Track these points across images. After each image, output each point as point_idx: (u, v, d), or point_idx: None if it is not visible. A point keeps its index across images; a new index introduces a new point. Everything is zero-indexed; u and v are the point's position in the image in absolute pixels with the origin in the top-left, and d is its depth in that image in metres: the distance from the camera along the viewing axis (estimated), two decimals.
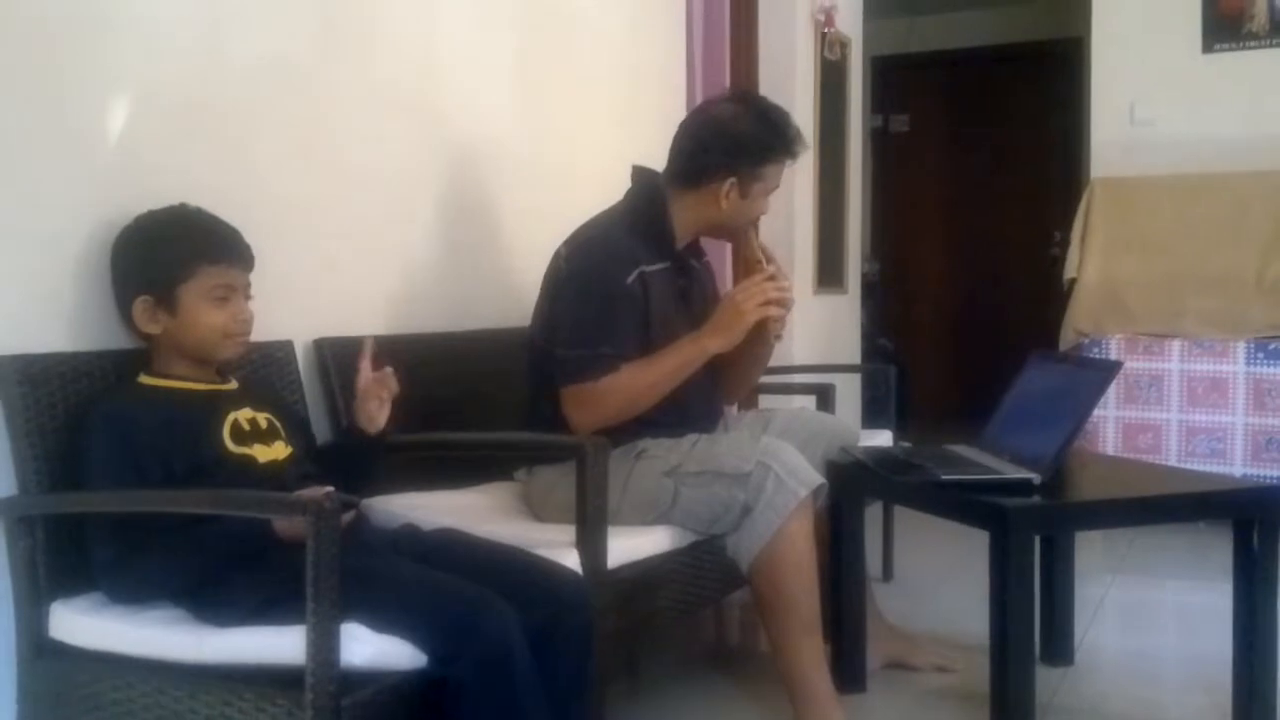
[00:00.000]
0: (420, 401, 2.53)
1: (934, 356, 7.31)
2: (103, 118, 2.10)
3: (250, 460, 1.94)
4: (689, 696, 2.74)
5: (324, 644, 1.54)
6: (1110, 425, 4.61)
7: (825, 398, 3.33)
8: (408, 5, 2.86)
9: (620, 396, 2.38)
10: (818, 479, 2.36)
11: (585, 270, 2.45)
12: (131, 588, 1.81)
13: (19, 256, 1.94)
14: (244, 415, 1.98)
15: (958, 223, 7.41)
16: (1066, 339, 4.88)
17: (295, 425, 2.13)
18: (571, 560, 2.07)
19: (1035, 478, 2.30)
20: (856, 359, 5.82)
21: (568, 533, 2.16)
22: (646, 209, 2.55)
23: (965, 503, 2.33)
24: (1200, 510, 2.78)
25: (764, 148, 2.52)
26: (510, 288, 2.80)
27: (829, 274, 5.35)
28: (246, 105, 2.39)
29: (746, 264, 2.56)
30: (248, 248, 2.02)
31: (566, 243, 2.54)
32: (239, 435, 1.95)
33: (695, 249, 2.71)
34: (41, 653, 1.85)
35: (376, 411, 2.08)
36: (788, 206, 4.95)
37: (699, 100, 3.97)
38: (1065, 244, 5.21)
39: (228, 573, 1.76)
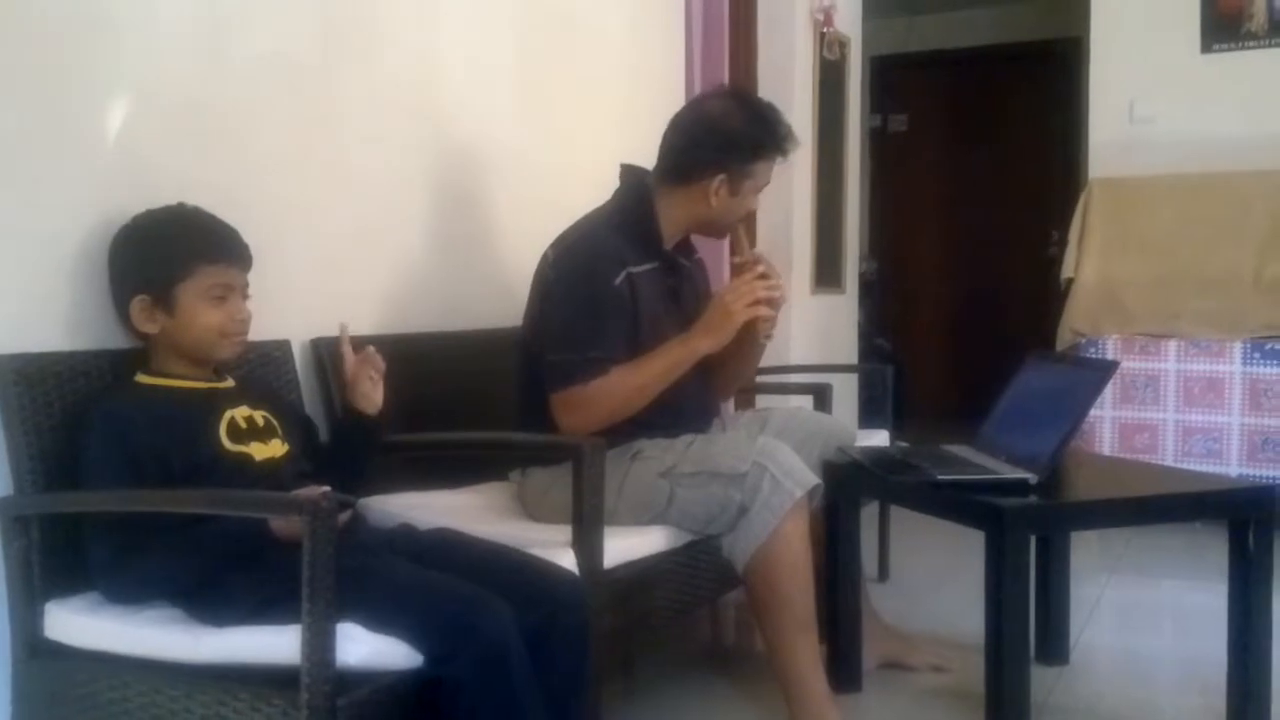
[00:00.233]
0: (417, 401, 2.53)
1: (931, 356, 7.32)
2: (102, 117, 2.10)
3: (247, 458, 1.94)
4: (685, 696, 2.74)
5: (319, 644, 1.54)
6: (1107, 425, 4.61)
7: (822, 398, 3.33)
8: (407, 6, 2.86)
9: (610, 400, 2.37)
10: (813, 479, 2.36)
11: (572, 273, 2.43)
12: (128, 587, 1.81)
13: (17, 255, 1.94)
14: (241, 413, 1.99)
15: (956, 222, 7.41)
16: (1063, 339, 4.88)
17: (293, 422, 2.13)
18: (567, 560, 2.07)
19: (1031, 478, 2.30)
20: (854, 359, 5.82)
21: (563, 533, 2.16)
22: (634, 208, 2.54)
23: (961, 503, 2.33)
24: (1196, 510, 2.78)
25: (755, 145, 2.51)
26: (508, 288, 2.80)
27: (827, 273, 5.35)
28: (246, 105, 2.39)
29: (736, 264, 2.55)
30: (246, 247, 2.02)
31: (554, 245, 2.52)
32: (236, 433, 1.95)
33: (685, 247, 2.70)
34: (37, 653, 1.85)
35: (370, 389, 2.10)
36: (786, 206, 4.96)
37: None
38: (1063, 244, 5.21)
39: (224, 572, 1.76)
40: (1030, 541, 2.26)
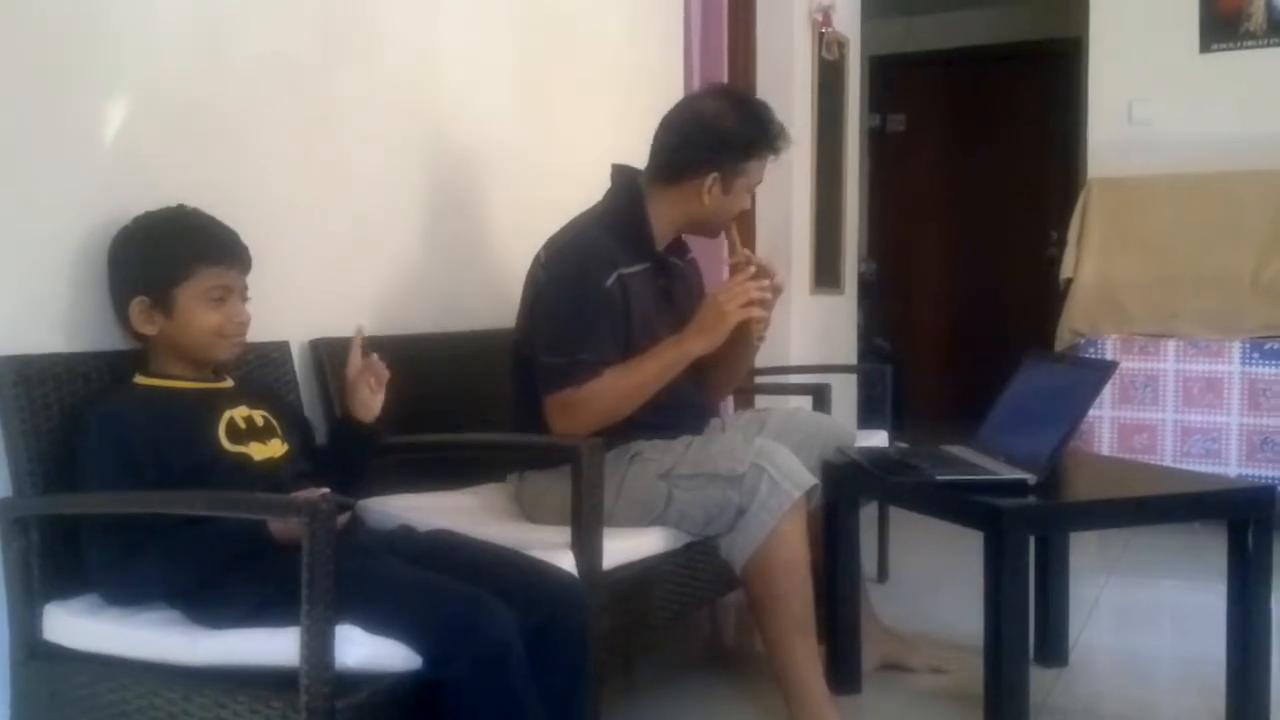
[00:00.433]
0: (415, 402, 2.53)
1: (930, 357, 7.32)
2: (100, 118, 2.10)
3: (246, 459, 1.94)
4: (684, 697, 2.74)
5: (319, 646, 1.54)
6: (1105, 425, 4.61)
7: (821, 398, 3.33)
8: (407, 7, 2.86)
9: (603, 402, 2.36)
10: (811, 480, 2.36)
11: (563, 275, 2.43)
12: (127, 589, 1.81)
13: (16, 257, 1.94)
14: (240, 413, 1.98)
15: (955, 223, 7.41)
16: (1062, 339, 4.88)
17: (292, 422, 2.13)
18: (567, 562, 2.07)
19: (1030, 478, 2.30)
20: (853, 359, 5.82)
21: (562, 534, 2.16)
22: (626, 209, 2.53)
23: (960, 503, 2.33)
24: (1195, 510, 2.78)
25: (748, 143, 2.51)
26: (507, 288, 2.79)
27: (826, 274, 5.35)
28: (245, 106, 2.39)
29: (731, 264, 2.54)
30: (245, 249, 2.02)
31: (545, 246, 2.52)
32: (234, 433, 1.95)
33: (679, 247, 2.69)
34: (35, 654, 1.84)
35: (369, 398, 2.09)
36: (785, 206, 4.96)
37: None
38: (1062, 244, 5.22)
39: (223, 574, 1.76)
40: (1029, 542, 2.26)
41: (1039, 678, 2.60)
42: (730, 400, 3.74)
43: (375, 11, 2.76)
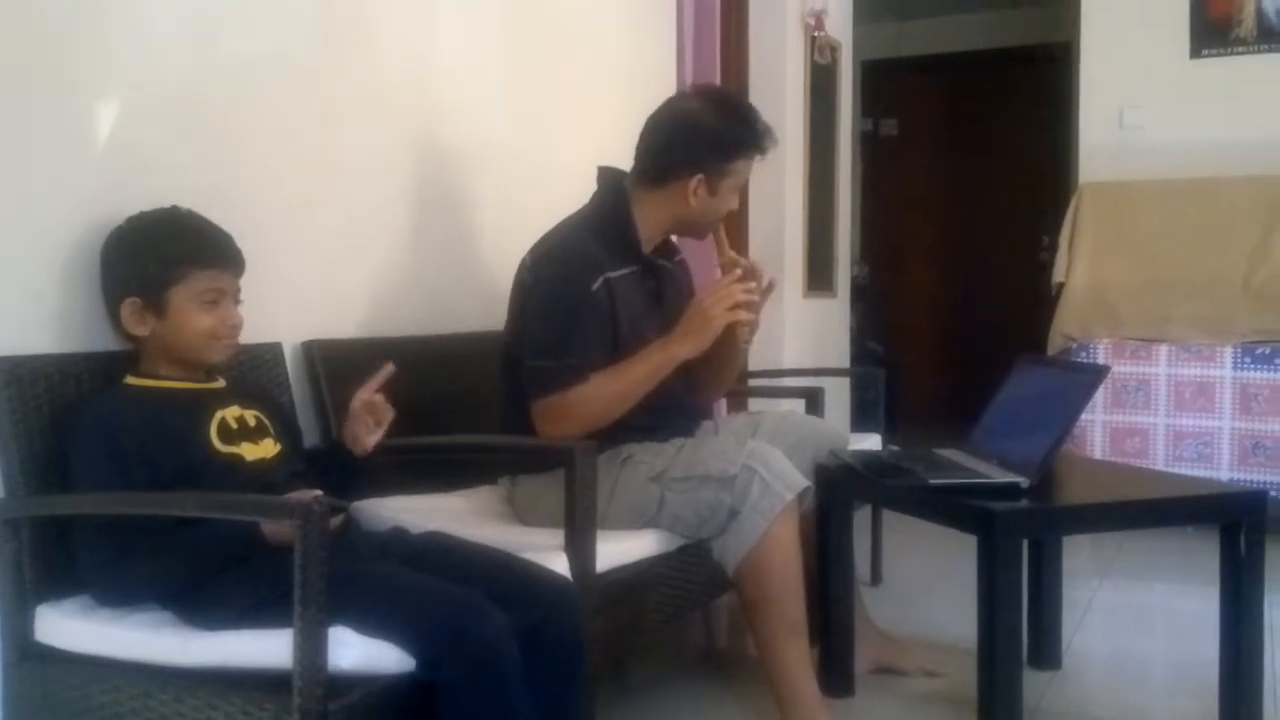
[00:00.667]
0: (406, 404, 2.52)
1: (923, 360, 7.33)
2: (93, 117, 2.09)
3: (238, 459, 1.93)
4: (677, 700, 2.74)
5: (311, 648, 1.53)
6: (1098, 429, 4.62)
7: (814, 401, 3.33)
8: (402, 7, 2.86)
9: (589, 407, 2.35)
10: (803, 482, 2.36)
11: (549, 280, 2.42)
12: (119, 590, 1.81)
13: (8, 257, 1.93)
14: (231, 413, 1.98)
15: (947, 227, 7.43)
16: (1054, 343, 4.89)
17: (284, 422, 2.12)
18: (560, 564, 2.07)
19: (1023, 482, 2.31)
20: (846, 362, 5.83)
21: (555, 537, 2.16)
22: (612, 211, 2.52)
23: (954, 506, 2.33)
24: (1187, 514, 2.79)
25: (733, 143, 2.49)
26: (500, 291, 2.78)
27: (818, 277, 5.35)
28: (239, 106, 2.39)
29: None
30: (238, 252, 2.01)
31: (532, 251, 2.51)
32: (226, 434, 1.95)
33: (667, 248, 2.68)
34: (27, 656, 1.84)
35: (364, 435, 2.05)
36: (777, 210, 4.97)
37: None
38: (1054, 248, 5.23)
39: (215, 576, 1.75)
40: (1022, 545, 2.26)
41: (1032, 681, 2.60)
42: (723, 403, 3.74)
43: (370, 14, 2.76)
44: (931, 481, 2.39)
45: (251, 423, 2.00)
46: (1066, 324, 4.88)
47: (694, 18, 4.34)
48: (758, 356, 4.47)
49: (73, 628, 1.81)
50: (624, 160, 2.60)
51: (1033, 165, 6.95)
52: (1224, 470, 4.42)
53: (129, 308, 1.92)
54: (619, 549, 2.27)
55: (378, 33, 2.79)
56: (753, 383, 3.95)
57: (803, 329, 5.16)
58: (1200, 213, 4.90)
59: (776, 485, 2.30)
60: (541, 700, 1.76)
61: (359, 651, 1.62)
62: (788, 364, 4.82)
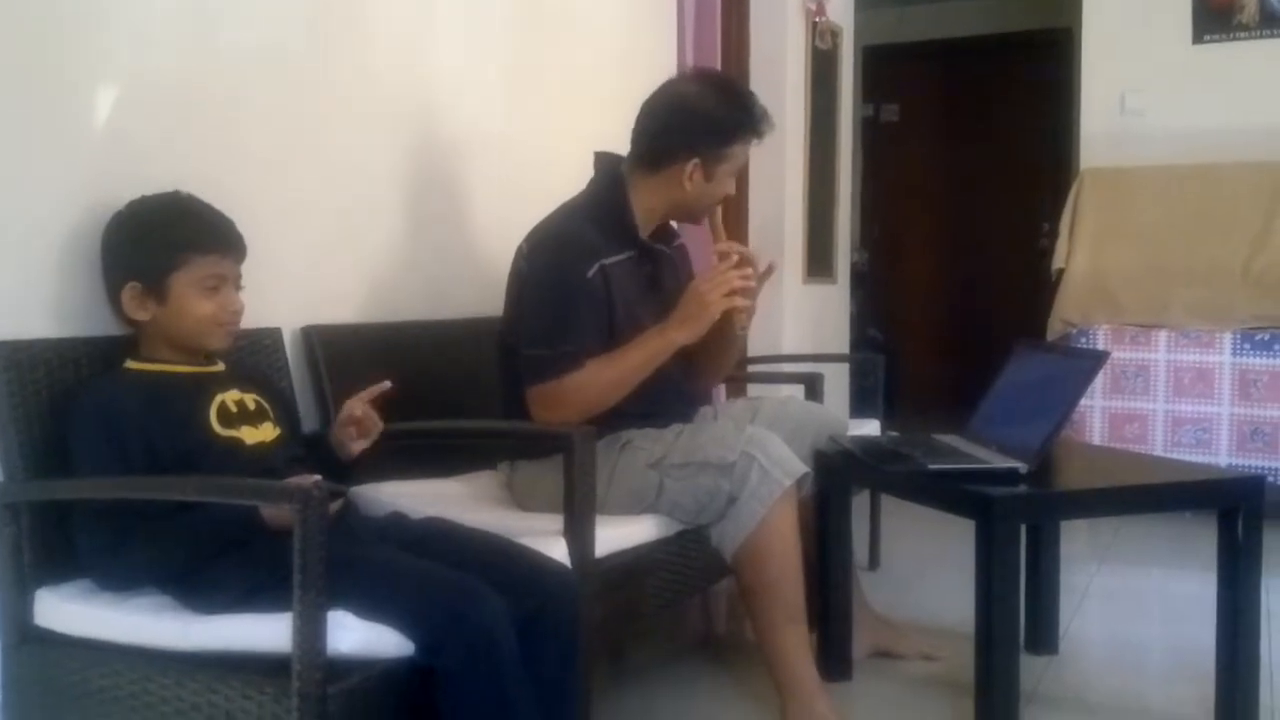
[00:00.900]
0: (404, 389, 2.52)
1: (922, 346, 7.32)
2: (92, 105, 2.09)
3: (237, 443, 1.93)
4: (675, 685, 2.74)
5: (310, 631, 1.54)
6: (1097, 415, 4.62)
7: (813, 387, 3.33)
8: None
9: (585, 393, 2.35)
10: (802, 468, 2.36)
11: (544, 267, 2.41)
12: (118, 574, 1.81)
13: (7, 243, 1.93)
14: (231, 397, 1.98)
15: (947, 212, 7.41)
16: (1054, 329, 4.89)
17: (284, 406, 2.12)
18: (559, 550, 2.07)
19: (1021, 467, 2.31)
20: (845, 349, 5.83)
21: (554, 522, 2.16)
22: (608, 197, 2.52)
23: (952, 492, 2.33)
24: (1185, 499, 2.79)
25: (729, 127, 2.48)
26: (497, 277, 2.78)
27: (818, 263, 5.35)
28: (236, 94, 2.39)
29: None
30: (240, 238, 2.01)
31: (528, 238, 2.50)
32: (226, 417, 1.95)
33: (666, 233, 2.68)
34: (27, 639, 1.84)
35: (348, 441, 2.04)
36: (777, 196, 4.96)
37: None
38: (1054, 234, 5.22)
39: (215, 560, 1.76)
40: (1020, 530, 2.26)
41: (1029, 665, 2.60)
42: (722, 388, 3.74)
43: (366, 2, 2.75)
44: (930, 467, 2.39)
45: (251, 406, 2.00)
46: (1066, 310, 4.88)
47: (695, 3, 4.33)
48: (757, 342, 4.47)
49: (72, 611, 1.81)
50: (622, 146, 2.59)
51: (1033, 151, 6.93)
52: (1222, 456, 4.43)
53: (130, 292, 1.92)
54: (618, 534, 2.28)
55: (374, 21, 2.78)
56: (752, 368, 3.95)
57: (802, 315, 5.16)
58: (1201, 199, 4.90)
59: (775, 471, 2.30)
60: (539, 686, 1.77)
61: (358, 635, 1.63)
62: (787, 350, 4.83)
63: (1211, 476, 2.88)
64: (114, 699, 1.73)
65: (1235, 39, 5.10)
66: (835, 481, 2.64)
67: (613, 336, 2.41)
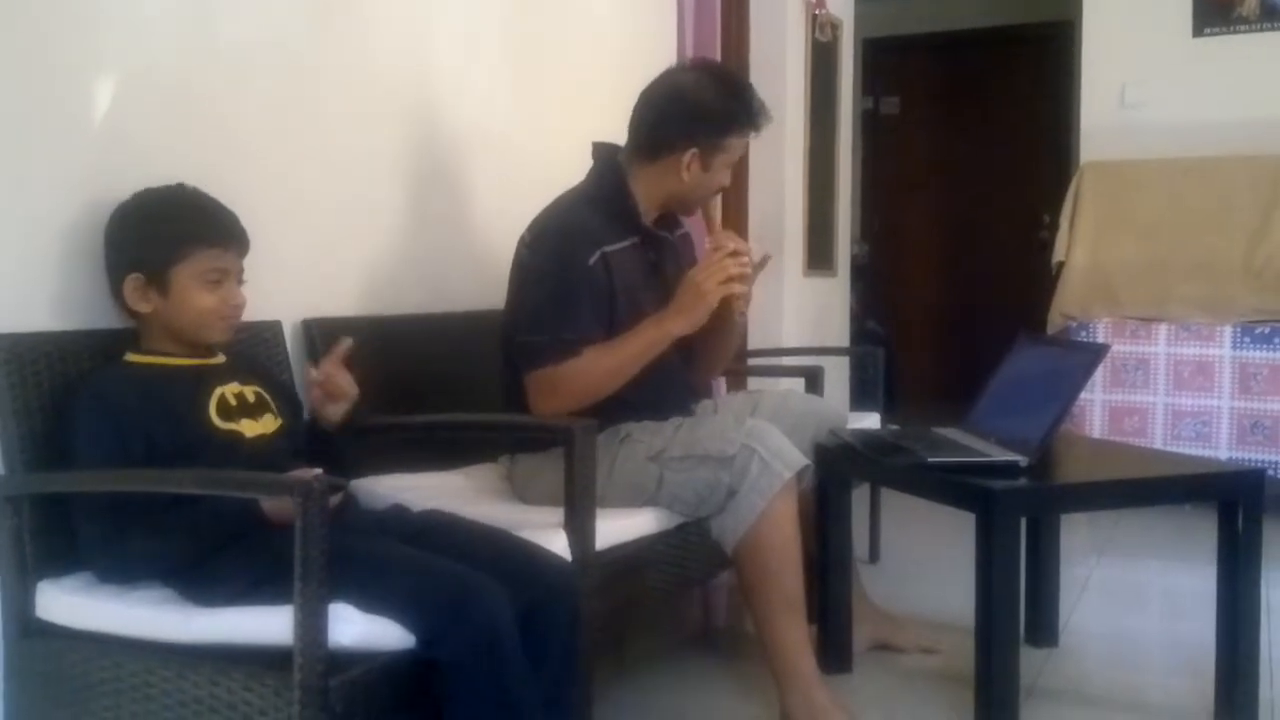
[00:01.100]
0: (404, 382, 2.53)
1: (922, 339, 7.32)
2: (92, 99, 2.09)
3: (237, 436, 1.93)
4: (675, 678, 2.75)
5: (312, 624, 1.54)
6: (1097, 408, 4.62)
7: (814, 380, 3.33)
8: None
9: (582, 381, 2.35)
10: (802, 461, 2.36)
11: (545, 254, 2.42)
12: (119, 567, 1.81)
13: (7, 236, 1.93)
14: (231, 390, 1.98)
15: (947, 206, 7.41)
16: (1054, 322, 4.89)
17: (286, 398, 2.12)
18: (559, 542, 2.07)
19: (1022, 460, 2.31)
20: (845, 342, 5.83)
21: (555, 515, 2.16)
22: (609, 185, 2.52)
23: (952, 485, 2.34)
24: (1185, 493, 2.80)
25: (727, 117, 2.48)
26: (497, 270, 2.79)
27: (818, 256, 5.35)
28: (235, 86, 2.38)
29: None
30: (244, 232, 2.00)
31: (530, 228, 2.51)
32: (226, 411, 1.94)
33: (670, 221, 2.67)
34: (28, 632, 1.84)
35: (322, 409, 2.02)
36: (777, 188, 4.96)
37: None
38: (1054, 227, 5.22)
39: (216, 552, 1.76)
40: (1020, 524, 2.27)
41: (1029, 658, 2.61)
42: (722, 381, 3.74)
43: None
44: (930, 460, 2.39)
45: (251, 399, 2.00)
46: (1066, 303, 4.88)
47: None
48: (757, 335, 4.48)
49: (74, 604, 1.81)
50: (621, 138, 2.59)
51: (1034, 144, 6.93)
52: (1222, 449, 4.43)
53: (132, 284, 1.92)
54: (618, 527, 2.28)
55: (373, 14, 2.78)
56: (752, 362, 3.95)
57: (802, 308, 5.16)
58: (1201, 192, 4.89)
59: (775, 464, 2.30)
60: (539, 680, 1.77)
61: (360, 628, 1.63)
62: (787, 343, 4.83)
63: (1211, 470, 2.89)
64: (116, 691, 1.73)
65: (1236, 32, 5.09)
66: (835, 474, 2.64)
67: (614, 323, 2.42)
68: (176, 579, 1.78)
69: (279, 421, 2.01)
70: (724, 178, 2.56)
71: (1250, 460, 4.32)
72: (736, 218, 4.74)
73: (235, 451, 1.90)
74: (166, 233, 1.93)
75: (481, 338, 2.73)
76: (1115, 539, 4.04)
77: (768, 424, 2.41)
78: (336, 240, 2.66)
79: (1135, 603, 3.51)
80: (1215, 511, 2.41)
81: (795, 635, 2.35)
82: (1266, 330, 4.41)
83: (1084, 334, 4.66)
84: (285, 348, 2.43)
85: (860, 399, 4.65)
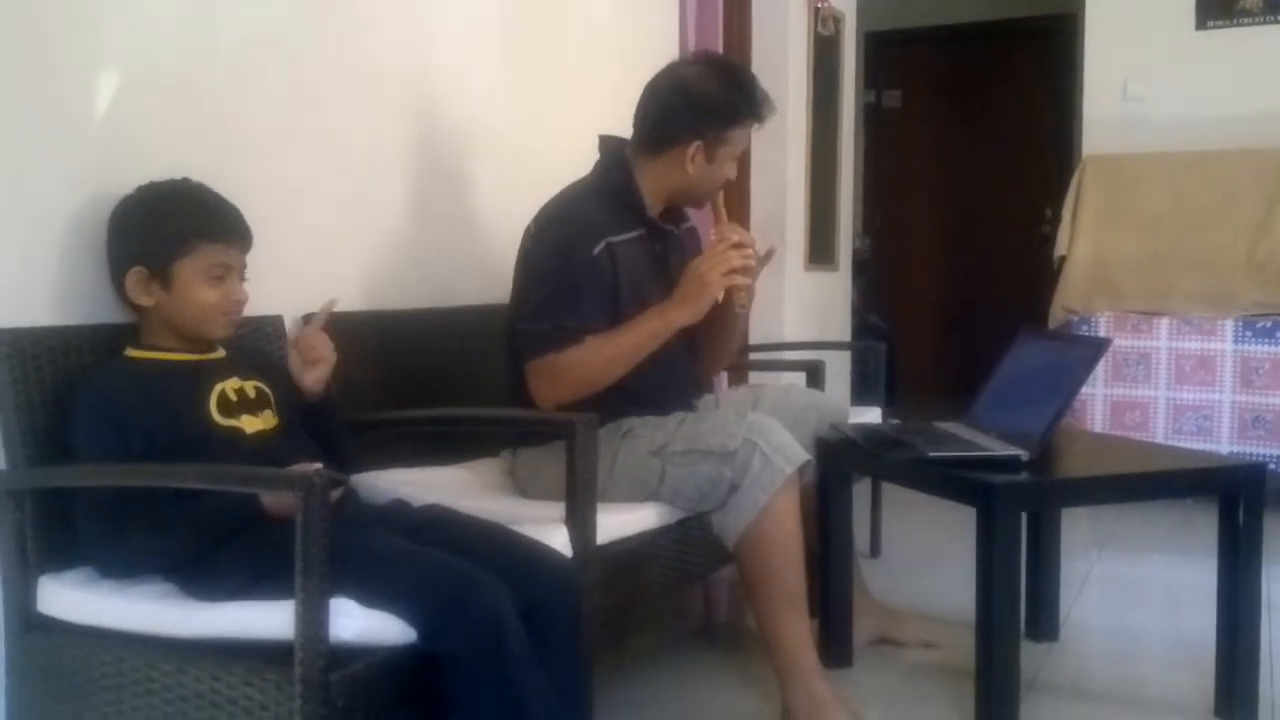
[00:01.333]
0: (405, 377, 2.53)
1: (924, 333, 7.32)
2: (92, 93, 2.09)
3: (238, 432, 1.93)
4: (676, 673, 2.75)
5: (313, 619, 1.54)
6: (1098, 403, 4.62)
7: (815, 375, 3.33)
8: None
9: (583, 369, 2.35)
10: (804, 455, 2.36)
11: (550, 243, 2.42)
12: (120, 562, 1.81)
13: (8, 231, 1.93)
14: (231, 385, 1.98)
15: (949, 199, 7.41)
16: (1056, 316, 4.89)
17: (287, 393, 2.10)
18: (560, 537, 2.07)
19: (1023, 454, 2.31)
20: (847, 336, 5.83)
21: (556, 509, 2.16)
22: (615, 177, 2.52)
23: (953, 479, 2.34)
24: (1186, 487, 2.80)
25: (731, 110, 2.49)
26: (498, 264, 2.80)
27: (820, 250, 5.35)
28: (236, 81, 2.38)
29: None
30: (247, 228, 2.00)
31: (535, 219, 2.51)
32: (226, 407, 1.94)
33: (675, 215, 2.68)
34: (30, 627, 1.85)
35: (297, 371, 2.05)
36: (779, 182, 4.96)
37: None
38: (1056, 221, 5.21)
39: (217, 547, 1.76)
40: (1021, 518, 2.27)
41: (1030, 652, 2.61)
42: (724, 376, 3.74)
43: None
44: (931, 454, 2.39)
45: (252, 394, 2.00)
46: (1068, 297, 4.87)
47: None
48: (758, 330, 4.47)
49: (75, 599, 1.82)
50: (624, 133, 2.59)
51: (1036, 137, 6.92)
52: (1224, 443, 4.43)
53: (134, 277, 1.92)
54: (619, 522, 2.28)
55: (374, 11, 2.78)
56: (753, 356, 3.95)
57: (804, 302, 5.16)
58: (1203, 186, 4.88)
59: (777, 459, 2.30)
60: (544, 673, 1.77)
61: (361, 623, 1.63)
62: (788, 337, 4.83)
63: (1212, 464, 2.88)
64: (117, 686, 1.74)
65: (1239, 25, 5.08)
66: (836, 469, 2.64)
67: (618, 314, 2.42)
68: (177, 574, 1.78)
69: (279, 417, 2.01)
70: (729, 170, 2.56)
71: (1251, 454, 4.32)
72: (738, 211, 4.73)
73: (235, 448, 1.90)
74: (171, 227, 1.93)
75: (482, 332, 2.73)
76: (1116, 533, 4.05)
77: (769, 419, 2.41)
78: (337, 235, 2.66)
79: (1136, 597, 3.52)
80: (1216, 506, 2.41)
81: (796, 630, 2.35)
82: (1268, 324, 4.41)
83: (1085, 328, 4.66)
84: (287, 342, 2.42)
85: (861, 393, 4.64)
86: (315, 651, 1.54)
